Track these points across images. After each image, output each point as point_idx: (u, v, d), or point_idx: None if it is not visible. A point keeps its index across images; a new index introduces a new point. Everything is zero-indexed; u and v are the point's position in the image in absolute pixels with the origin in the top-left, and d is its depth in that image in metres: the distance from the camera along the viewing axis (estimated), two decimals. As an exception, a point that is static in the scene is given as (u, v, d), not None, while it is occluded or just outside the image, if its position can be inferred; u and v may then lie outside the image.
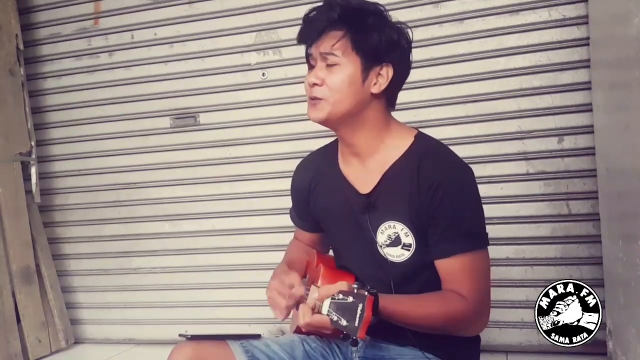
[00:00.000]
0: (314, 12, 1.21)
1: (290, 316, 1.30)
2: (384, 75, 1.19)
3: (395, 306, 1.09)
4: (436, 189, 1.15)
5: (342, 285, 1.00)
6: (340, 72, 1.17)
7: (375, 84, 1.19)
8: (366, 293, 0.95)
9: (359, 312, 0.93)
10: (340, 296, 0.96)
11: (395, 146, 1.23)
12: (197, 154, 2.63)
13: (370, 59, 1.17)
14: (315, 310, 1.01)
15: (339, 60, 1.17)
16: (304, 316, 1.02)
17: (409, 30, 1.23)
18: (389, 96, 1.23)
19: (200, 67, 2.59)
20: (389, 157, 1.23)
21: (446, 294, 1.16)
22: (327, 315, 0.96)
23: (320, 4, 1.21)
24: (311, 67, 1.22)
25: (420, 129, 1.29)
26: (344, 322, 0.94)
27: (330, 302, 0.97)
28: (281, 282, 1.19)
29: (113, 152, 2.76)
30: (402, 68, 1.22)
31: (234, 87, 2.55)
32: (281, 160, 2.47)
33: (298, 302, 1.25)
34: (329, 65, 1.18)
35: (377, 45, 1.17)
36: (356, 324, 0.93)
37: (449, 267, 1.16)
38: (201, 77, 2.59)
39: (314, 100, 1.20)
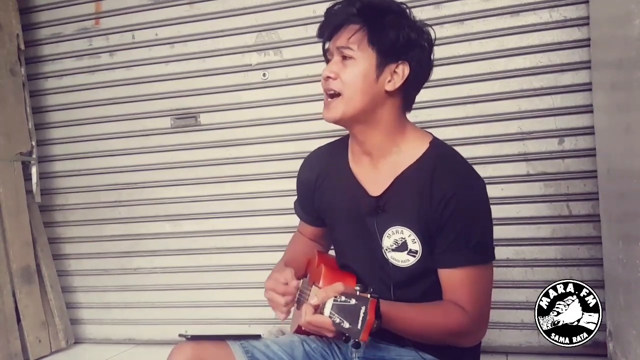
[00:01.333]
0: (335, 7, 1.20)
1: (291, 316, 1.30)
2: (400, 73, 1.18)
3: (397, 313, 1.08)
4: (448, 200, 1.14)
5: (339, 286, 1.00)
6: (355, 66, 1.16)
7: (389, 81, 1.18)
8: (369, 296, 0.95)
9: (361, 315, 0.93)
10: (343, 298, 0.96)
11: (409, 150, 1.22)
12: (197, 154, 2.63)
13: (385, 56, 1.16)
14: (319, 310, 1.00)
15: (354, 54, 1.16)
16: (305, 314, 1.01)
17: (431, 30, 1.22)
18: (404, 96, 1.22)
19: (201, 68, 2.59)
20: (402, 161, 1.21)
21: (447, 305, 1.16)
22: (330, 317, 0.96)
23: (329, 4, 1.21)
24: (328, 63, 1.22)
25: (420, 130, 1.29)
26: (346, 325, 0.93)
27: (333, 304, 0.96)
28: (275, 281, 1.19)
29: (114, 152, 2.76)
30: (420, 68, 1.21)
31: (234, 88, 2.55)
32: (283, 160, 2.47)
33: (298, 301, 1.25)
34: (344, 59, 1.18)
35: (394, 42, 1.16)
36: (359, 327, 0.92)
37: (451, 277, 1.16)
38: (202, 78, 2.59)
39: (330, 96, 1.19)
